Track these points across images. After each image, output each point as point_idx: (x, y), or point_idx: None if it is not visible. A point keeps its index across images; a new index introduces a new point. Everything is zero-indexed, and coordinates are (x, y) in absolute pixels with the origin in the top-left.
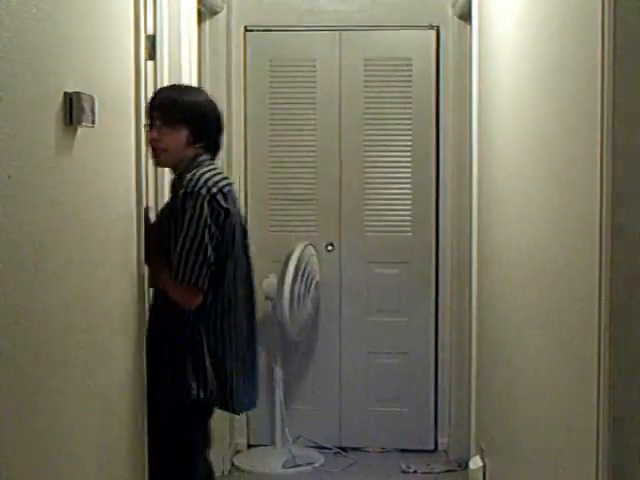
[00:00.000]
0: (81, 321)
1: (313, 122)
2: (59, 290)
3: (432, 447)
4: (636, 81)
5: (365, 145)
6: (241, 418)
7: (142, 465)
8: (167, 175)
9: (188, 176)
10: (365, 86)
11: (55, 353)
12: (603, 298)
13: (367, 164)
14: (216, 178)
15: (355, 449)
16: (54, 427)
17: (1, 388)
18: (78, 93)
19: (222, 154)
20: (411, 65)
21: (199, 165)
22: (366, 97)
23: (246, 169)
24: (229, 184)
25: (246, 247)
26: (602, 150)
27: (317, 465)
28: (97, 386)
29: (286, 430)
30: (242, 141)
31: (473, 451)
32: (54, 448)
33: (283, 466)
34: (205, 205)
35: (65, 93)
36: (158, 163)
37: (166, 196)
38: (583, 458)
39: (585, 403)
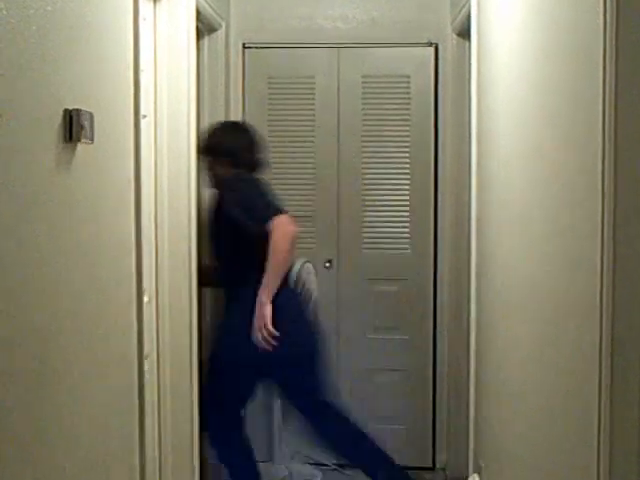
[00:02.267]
0: (77, 340)
1: (311, 139)
2: (53, 304)
3: (430, 465)
4: (638, 100)
5: (363, 162)
6: None
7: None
8: (166, 190)
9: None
10: (363, 103)
11: (51, 368)
12: (604, 321)
13: (365, 181)
14: None
15: (353, 466)
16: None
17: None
18: (78, 110)
19: None
20: (409, 82)
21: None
22: (364, 114)
23: None
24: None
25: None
26: (603, 168)
27: None
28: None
29: (284, 446)
30: None
31: (471, 469)
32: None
33: None
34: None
35: (65, 110)
36: (212, 185)
37: (166, 212)
38: (583, 477)
39: (584, 423)
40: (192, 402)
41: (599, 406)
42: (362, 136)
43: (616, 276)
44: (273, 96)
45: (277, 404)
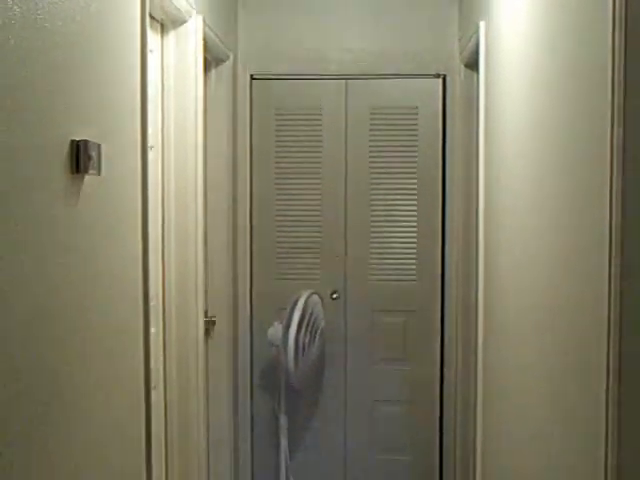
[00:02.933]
0: (86, 375)
1: (319, 170)
2: (62, 337)
3: None
4: None
5: (370, 193)
6: (245, 465)
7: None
8: (173, 222)
9: None
10: (371, 134)
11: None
12: (611, 347)
13: (373, 212)
14: None
15: None
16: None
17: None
18: (85, 141)
19: (228, 201)
20: (417, 113)
21: None
22: (372, 145)
23: (252, 217)
24: None
25: None
26: (611, 196)
27: None
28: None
29: (291, 478)
30: (248, 189)
31: None
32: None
33: None
34: None
35: (72, 141)
36: None
37: (173, 244)
38: None
39: (592, 453)
40: (199, 433)
41: (606, 438)
42: (369, 167)
43: (623, 287)
44: (280, 127)
45: (284, 435)
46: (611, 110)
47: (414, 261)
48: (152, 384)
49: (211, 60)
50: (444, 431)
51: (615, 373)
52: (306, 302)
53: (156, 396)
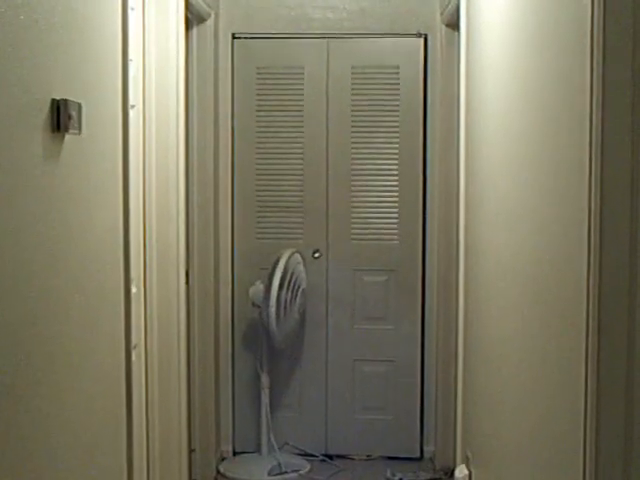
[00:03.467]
0: (63, 330)
1: (300, 130)
2: (41, 295)
3: (418, 455)
4: (625, 86)
5: (352, 153)
6: (227, 425)
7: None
8: (154, 181)
9: None
10: (353, 94)
11: (35, 352)
12: (590, 306)
13: (354, 171)
14: None
15: (341, 457)
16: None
17: None
18: (66, 100)
19: (210, 161)
20: (399, 73)
21: None
22: (354, 105)
23: (233, 176)
24: None
25: None
26: (590, 159)
27: (303, 472)
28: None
29: (272, 437)
30: (229, 149)
31: (459, 459)
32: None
33: (269, 473)
34: None
35: (53, 100)
36: None
37: (154, 203)
38: (569, 466)
39: (571, 411)
40: (179, 390)
41: (585, 391)
42: (351, 127)
43: (602, 269)
44: (262, 86)
45: (266, 394)
46: (590, 68)
47: (396, 220)
48: (133, 343)
49: (192, 19)
50: (425, 390)
51: (594, 337)
52: (288, 261)
53: (137, 356)
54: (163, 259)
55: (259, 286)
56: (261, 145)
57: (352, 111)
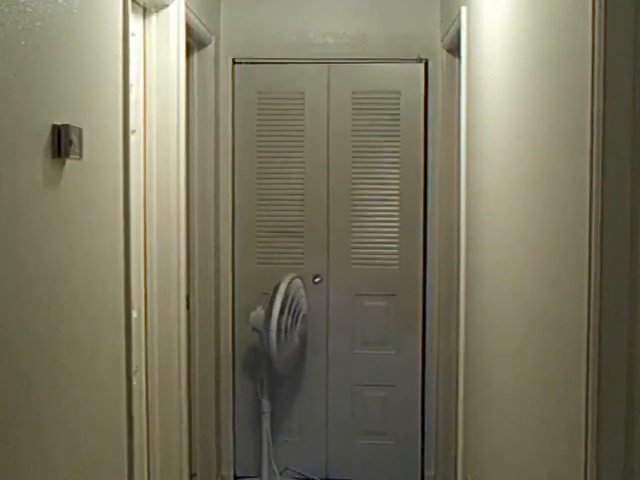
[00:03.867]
0: (64, 355)
1: (301, 154)
2: (46, 320)
3: (419, 479)
4: (626, 108)
5: (353, 177)
6: (228, 449)
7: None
8: (155, 205)
9: None
10: (353, 118)
11: (42, 380)
12: (591, 328)
13: (355, 196)
14: None
15: None
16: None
17: None
18: (67, 125)
19: (211, 186)
20: (399, 98)
21: None
22: (354, 130)
23: (234, 201)
24: None
25: None
26: (591, 181)
27: None
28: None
29: (272, 462)
30: (230, 173)
31: None
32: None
33: None
34: None
35: (53, 125)
36: None
37: (155, 227)
38: None
39: (571, 433)
40: (181, 414)
41: (586, 414)
42: (352, 151)
43: (603, 286)
44: (263, 111)
45: (266, 419)
46: (591, 90)
47: (396, 246)
48: (134, 368)
49: (193, 44)
50: (426, 415)
51: (595, 358)
52: (288, 286)
53: (137, 380)
54: (164, 283)
55: (260, 311)
56: (262, 170)
57: (353, 136)
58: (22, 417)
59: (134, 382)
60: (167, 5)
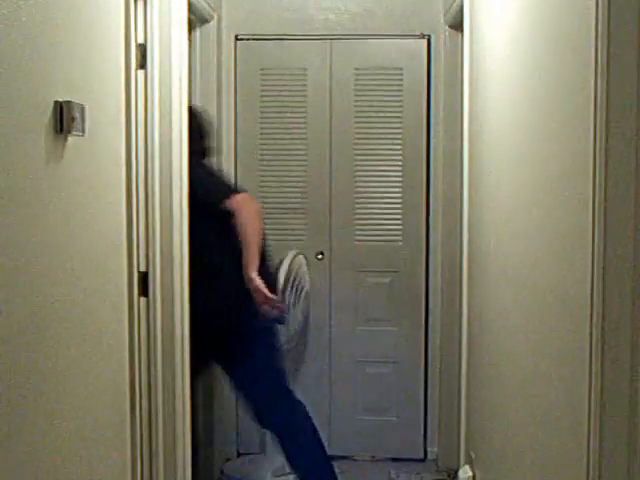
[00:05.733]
0: (69, 332)
1: (304, 131)
2: (48, 296)
3: (421, 456)
4: (630, 86)
5: (356, 154)
6: (231, 425)
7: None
8: (157, 183)
9: None
10: (356, 95)
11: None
12: (595, 306)
13: (357, 173)
14: None
15: (344, 457)
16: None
17: None
18: (69, 102)
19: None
20: (402, 74)
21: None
22: (357, 106)
23: (236, 178)
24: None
25: None
26: (595, 163)
27: None
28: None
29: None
30: (232, 150)
31: (462, 460)
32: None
33: (273, 474)
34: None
35: (56, 102)
36: None
37: (158, 205)
38: (574, 468)
39: (574, 411)
40: (183, 392)
41: (589, 392)
42: (354, 128)
43: (606, 270)
44: (265, 88)
45: None
46: (595, 62)
47: (399, 222)
48: (136, 345)
49: (195, 20)
50: (428, 391)
51: (598, 337)
52: (291, 263)
53: (140, 361)
54: (166, 262)
55: None
56: (264, 147)
57: (355, 113)
58: (27, 387)
59: (136, 357)
60: None
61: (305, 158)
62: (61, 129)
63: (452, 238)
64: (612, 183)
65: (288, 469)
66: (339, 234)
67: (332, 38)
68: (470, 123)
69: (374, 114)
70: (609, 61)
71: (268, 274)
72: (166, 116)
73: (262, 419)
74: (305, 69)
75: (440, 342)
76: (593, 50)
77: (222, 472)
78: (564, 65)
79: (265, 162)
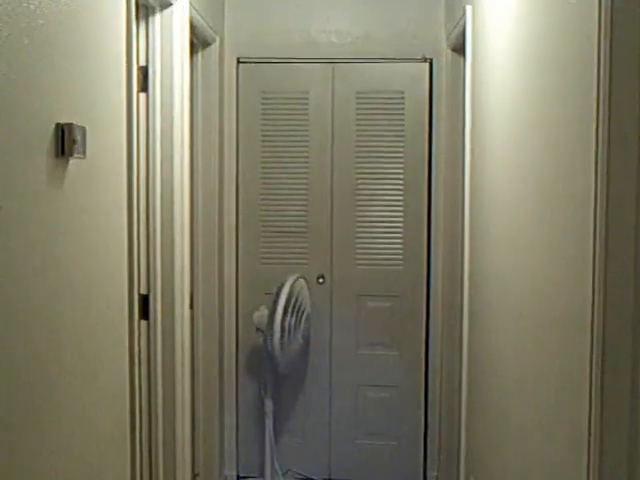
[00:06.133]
0: (69, 356)
1: (305, 154)
2: (47, 319)
3: None
4: (633, 106)
5: (357, 177)
6: (230, 450)
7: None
8: (158, 206)
9: None
10: (357, 118)
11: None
12: (595, 325)
13: (358, 196)
14: None
15: None
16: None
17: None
18: (70, 124)
19: (214, 185)
20: (404, 97)
21: None
22: (358, 130)
23: (237, 201)
24: None
25: None
26: (596, 181)
27: None
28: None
29: (275, 462)
30: (234, 173)
31: None
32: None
33: None
34: None
35: (57, 124)
36: None
37: (159, 227)
38: None
39: (574, 436)
40: (184, 413)
41: (589, 416)
42: (356, 151)
43: (607, 280)
44: (267, 111)
45: (269, 419)
46: (597, 90)
47: (400, 246)
48: (137, 367)
49: (197, 43)
50: (429, 416)
51: (598, 359)
52: (292, 286)
53: (140, 380)
54: (167, 283)
55: (263, 311)
56: (266, 169)
57: (357, 136)
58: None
59: (136, 381)
60: (171, 4)
61: (306, 181)
62: (62, 152)
63: (453, 262)
64: (614, 203)
65: None
66: (340, 258)
67: (334, 61)
68: (472, 146)
69: (375, 137)
70: (611, 78)
71: None
72: (168, 138)
73: None
74: (307, 92)
75: (441, 366)
76: (595, 74)
77: None
78: (568, 85)
79: (267, 185)
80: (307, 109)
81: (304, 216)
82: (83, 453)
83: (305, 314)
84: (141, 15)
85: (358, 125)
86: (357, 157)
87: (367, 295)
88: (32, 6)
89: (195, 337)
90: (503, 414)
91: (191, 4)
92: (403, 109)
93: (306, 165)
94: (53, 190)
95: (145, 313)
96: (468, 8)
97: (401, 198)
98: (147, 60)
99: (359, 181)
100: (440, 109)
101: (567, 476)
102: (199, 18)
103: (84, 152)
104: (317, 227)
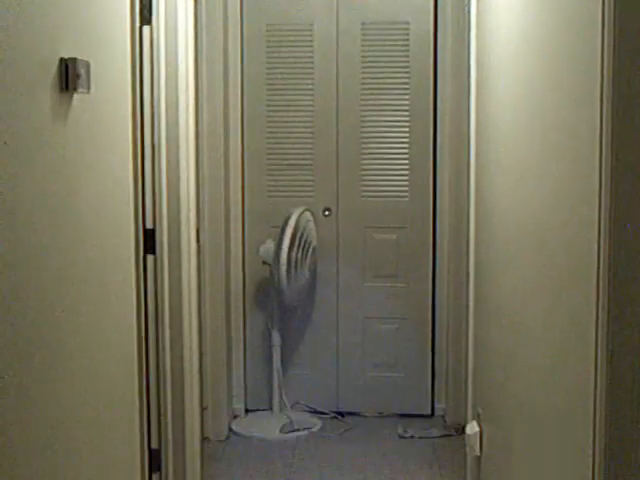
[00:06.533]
0: (75, 291)
1: (310, 87)
2: (53, 258)
3: (429, 412)
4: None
5: (362, 110)
6: (239, 383)
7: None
8: (164, 140)
9: None
10: (362, 50)
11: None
12: (602, 260)
13: (364, 129)
14: None
15: (352, 414)
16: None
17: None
18: (74, 59)
19: (220, 119)
20: (409, 29)
21: None
22: (363, 62)
23: (243, 135)
24: None
25: None
26: (601, 122)
27: (314, 430)
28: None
29: (284, 395)
30: (239, 108)
31: (470, 416)
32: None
33: (281, 431)
34: None
35: (61, 59)
36: None
37: (164, 162)
38: (581, 422)
39: (583, 366)
40: (191, 347)
41: (596, 342)
42: (361, 84)
43: (613, 232)
44: (271, 44)
45: (277, 352)
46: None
47: (406, 178)
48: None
49: None
50: (436, 347)
51: (605, 288)
52: (298, 219)
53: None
54: (173, 217)
55: (270, 244)
56: (271, 102)
57: (362, 68)
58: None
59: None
60: None
61: (312, 114)
62: (66, 87)
63: (459, 193)
64: (620, 140)
65: (296, 425)
66: (346, 190)
67: None
68: (477, 76)
69: (381, 69)
70: (616, 23)
71: None
72: (173, 72)
73: None
74: (311, 24)
75: (448, 298)
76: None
77: (230, 429)
78: (572, 19)
79: (272, 119)
80: (312, 41)
81: (310, 149)
82: (93, 378)
83: (311, 247)
84: None
85: (363, 57)
86: (362, 89)
87: (373, 227)
88: None
89: (202, 270)
90: (510, 343)
91: None
92: (408, 40)
93: (312, 97)
94: (57, 125)
95: (152, 247)
96: None
97: (407, 129)
98: None
99: (365, 113)
100: (445, 40)
101: (575, 404)
102: None
103: (88, 87)
104: (323, 160)
